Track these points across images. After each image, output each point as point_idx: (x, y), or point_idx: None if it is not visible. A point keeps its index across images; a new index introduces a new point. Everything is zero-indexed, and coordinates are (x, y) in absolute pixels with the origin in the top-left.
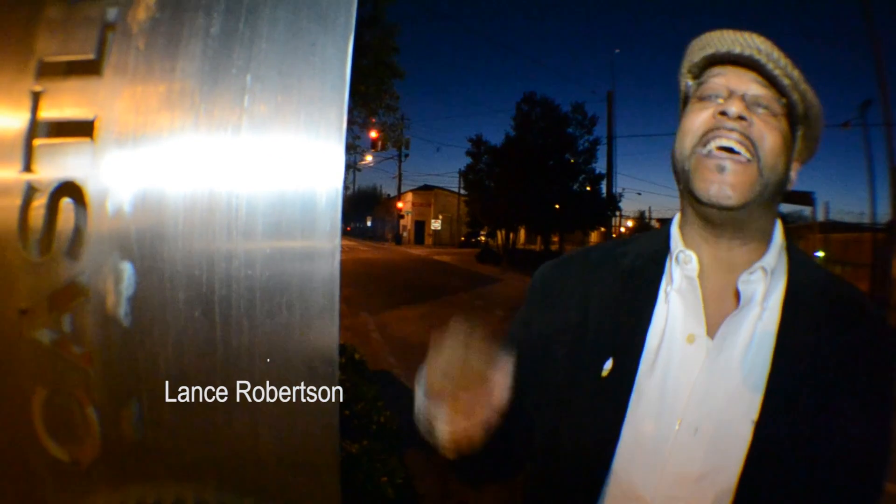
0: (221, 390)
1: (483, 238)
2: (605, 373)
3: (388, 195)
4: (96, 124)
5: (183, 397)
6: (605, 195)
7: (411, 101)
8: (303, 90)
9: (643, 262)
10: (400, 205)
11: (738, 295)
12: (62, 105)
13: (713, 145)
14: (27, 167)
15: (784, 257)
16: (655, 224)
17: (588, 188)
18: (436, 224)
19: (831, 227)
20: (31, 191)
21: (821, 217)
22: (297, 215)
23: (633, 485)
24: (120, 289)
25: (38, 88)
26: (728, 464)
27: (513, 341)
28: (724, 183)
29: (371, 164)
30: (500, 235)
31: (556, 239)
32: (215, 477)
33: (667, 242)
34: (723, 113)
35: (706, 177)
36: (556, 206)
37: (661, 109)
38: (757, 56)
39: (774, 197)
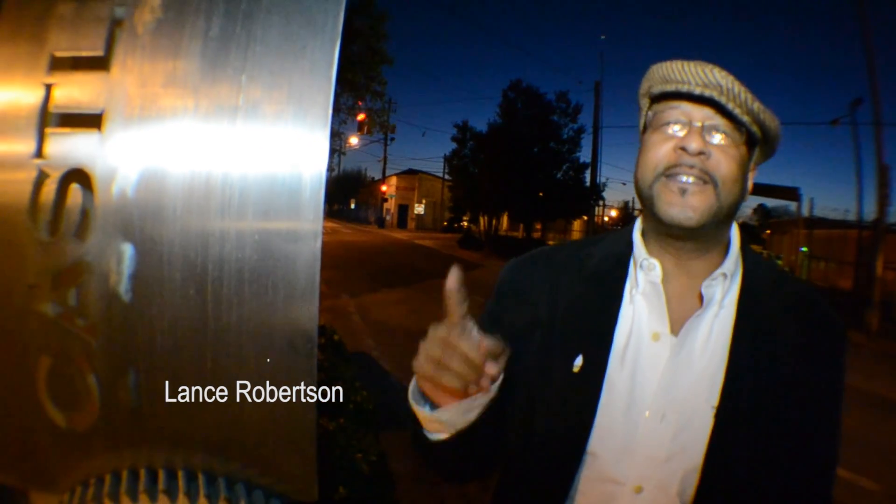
0: (211, 367)
1: (465, 223)
2: (576, 368)
3: (373, 178)
4: (104, 117)
5: (175, 368)
6: (588, 184)
7: (398, 84)
8: (292, 88)
9: (608, 266)
10: (384, 188)
11: (700, 297)
12: (73, 97)
13: (674, 178)
14: (39, 153)
15: (740, 260)
16: (638, 214)
17: (572, 176)
18: (419, 208)
19: (816, 223)
20: (41, 175)
21: (805, 213)
22: (285, 201)
23: (607, 469)
24: (122, 268)
25: (49, 81)
26: (693, 445)
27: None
28: (686, 205)
29: (357, 147)
30: (482, 221)
31: (538, 226)
32: (202, 445)
33: (629, 247)
34: (683, 148)
35: (670, 200)
36: (540, 194)
37: None
38: (717, 97)
39: (731, 214)
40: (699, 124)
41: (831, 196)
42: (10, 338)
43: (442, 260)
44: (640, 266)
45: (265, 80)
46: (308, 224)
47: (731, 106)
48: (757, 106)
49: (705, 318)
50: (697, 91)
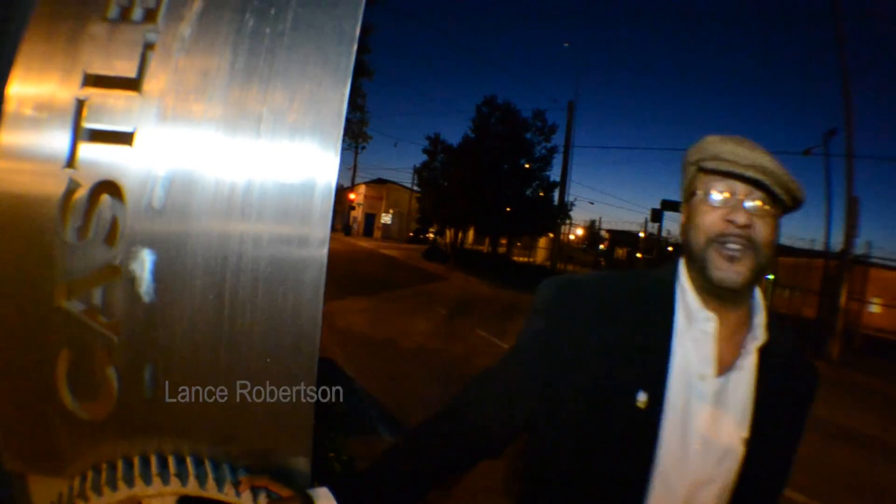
0: (224, 365)
1: (431, 235)
2: (640, 404)
3: (342, 185)
4: (135, 134)
5: (191, 365)
6: (557, 202)
7: (372, 93)
8: (307, 117)
9: (658, 306)
10: (352, 196)
11: (738, 346)
12: (105, 114)
13: (724, 246)
14: (70, 163)
15: (764, 317)
16: (605, 234)
17: (541, 194)
18: (386, 218)
19: (782, 250)
20: (72, 185)
21: None
22: (298, 224)
23: (661, 490)
24: (148, 272)
25: (82, 95)
26: (730, 470)
27: (527, 354)
28: (734, 271)
29: None
30: (448, 234)
31: (503, 242)
32: (211, 435)
33: (671, 288)
34: (731, 220)
35: (720, 266)
36: (508, 210)
37: (618, 123)
38: (765, 180)
39: (765, 270)
40: (743, 199)
41: (799, 225)
42: (33, 331)
43: (407, 271)
44: (694, 315)
45: (284, 108)
46: (317, 231)
47: (775, 189)
48: (793, 185)
49: (743, 366)
50: (748, 174)
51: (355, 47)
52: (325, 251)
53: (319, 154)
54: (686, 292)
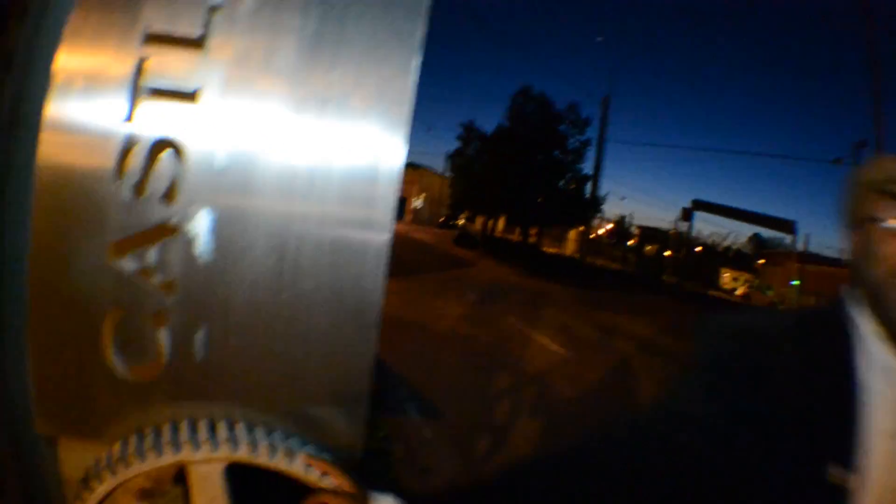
0: (282, 329)
1: (462, 221)
2: (837, 480)
3: None
4: (198, 94)
5: (248, 327)
6: (589, 196)
7: None
8: (375, 90)
9: (838, 356)
10: None
11: None
12: (167, 72)
13: None
14: (129, 118)
15: None
16: (635, 230)
17: (573, 186)
18: (417, 202)
19: (810, 258)
20: (130, 141)
21: (801, 247)
22: (361, 191)
23: None
24: (207, 232)
25: (143, 53)
26: None
27: (693, 411)
28: None
29: None
30: (479, 221)
31: (533, 231)
32: (264, 400)
33: (848, 338)
34: None
35: None
36: (539, 200)
37: (652, 119)
38: None
39: None
40: None
41: (828, 234)
42: (81, 289)
43: (437, 255)
44: (887, 368)
45: (351, 80)
46: (381, 215)
47: None
48: None
49: None
50: None
51: (425, 23)
52: (388, 234)
53: (386, 136)
54: (869, 341)
